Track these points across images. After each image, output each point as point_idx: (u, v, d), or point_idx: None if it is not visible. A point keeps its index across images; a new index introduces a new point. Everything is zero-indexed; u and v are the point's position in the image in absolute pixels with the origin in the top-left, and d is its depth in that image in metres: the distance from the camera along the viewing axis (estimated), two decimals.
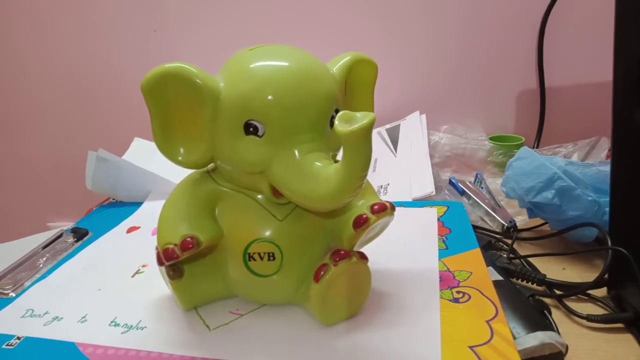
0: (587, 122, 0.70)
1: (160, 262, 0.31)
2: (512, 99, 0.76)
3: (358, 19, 0.77)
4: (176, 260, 0.30)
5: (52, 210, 1.00)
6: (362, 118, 0.24)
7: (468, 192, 0.60)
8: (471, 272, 0.37)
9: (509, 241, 0.52)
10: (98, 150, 0.55)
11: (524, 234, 0.55)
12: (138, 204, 0.57)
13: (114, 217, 0.54)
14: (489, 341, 0.30)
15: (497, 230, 0.56)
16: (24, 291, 0.40)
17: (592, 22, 0.70)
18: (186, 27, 0.82)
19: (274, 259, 0.32)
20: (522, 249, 0.52)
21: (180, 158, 0.31)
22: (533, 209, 0.52)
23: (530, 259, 0.49)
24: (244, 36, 0.80)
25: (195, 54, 0.83)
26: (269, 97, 0.28)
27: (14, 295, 0.39)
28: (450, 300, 0.34)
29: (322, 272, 0.31)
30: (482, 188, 0.62)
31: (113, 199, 0.61)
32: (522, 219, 0.57)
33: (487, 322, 0.32)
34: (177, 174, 0.57)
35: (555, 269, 0.48)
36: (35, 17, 0.85)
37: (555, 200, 0.48)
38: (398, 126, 0.72)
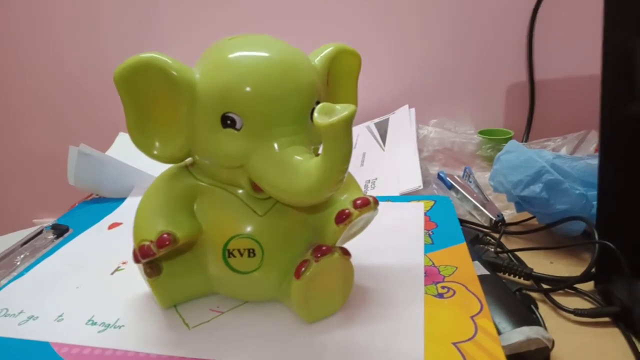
0: (577, 115, 0.70)
1: (136, 260, 0.30)
2: (502, 92, 0.76)
3: (348, 11, 0.76)
4: (152, 258, 0.30)
5: (39, 207, 0.99)
6: (342, 110, 0.24)
7: (456, 186, 0.60)
8: (456, 267, 0.37)
9: (497, 235, 0.52)
10: (79, 146, 0.54)
11: (512, 228, 0.55)
12: (121, 200, 0.56)
13: (96, 213, 0.53)
14: (472, 337, 0.29)
15: (485, 225, 0.55)
16: None
17: (581, 16, 0.70)
18: (177, 20, 0.81)
19: (254, 255, 0.31)
20: (510, 243, 0.52)
21: (155, 152, 0.30)
22: (521, 203, 0.52)
23: (518, 253, 0.48)
24: (234, 27, 0.78)
25: (186, 46, 0.81)
26: (247, 88, 0.27)
27: None
28: (434, 296, 0.34)
29: (303, 269, 0.30)
30: (471, 182, 0.62)
31: (96, 195, 0.60)
32: (510, 213, 0.57)
33: (472, 317, 0.31)
34: (161, 169, 0.56)
35: (543, 263, 0.47)
36: (31, 12, 0.84)
37: (543, 194, 0.48)
38: (387, 120, 0.71)
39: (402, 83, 0.78)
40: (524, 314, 0.37)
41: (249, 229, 0.31)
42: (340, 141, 0.24)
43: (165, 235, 0.29)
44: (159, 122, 0.30)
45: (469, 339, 0.29)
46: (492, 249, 0.48)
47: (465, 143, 0.67)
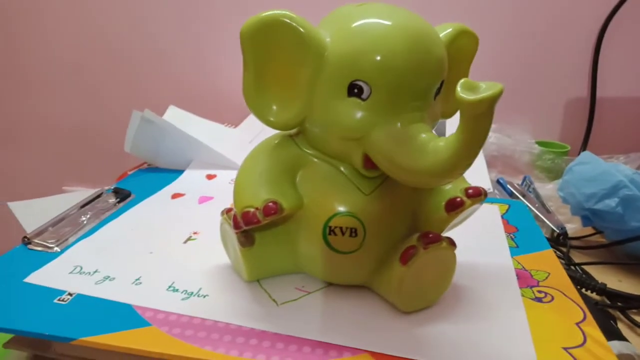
0: (637, 136, 0.69)
1: (237, 226, 0.29)
2: (561, 105, 0.74)
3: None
4: (256, 225, 0.28)
5: (69, 174, 0.97)
6: (488, 88, 0.22)
7: (517, 193, 0.58)
8: (549, 273, 0.35)
9: (562, 247, 0.50)
10: (144, 111, 0.52)
11: (575, 243, 0.53)
12: (178, 171, 0.54)
13: (155, 182, 0.51)
14: (583, 344, 0.28)
15: (546, 236, 0.54)
16: (68, 247, 0.37)
17: None
18: None
19: (356, 235, 0.29)
20: (574, 257, 0.50)
21: (271, 118, 0.29)
22: (590, 217, 0.50)
23: (585, 267, 0.47)
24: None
25: (236, 22, 0.80)
26: (381, 57, 0.26)
27: (58, 250, 0.37)
28: (532, 299, 0.32)
29: (410, 255, 0.28)
30: (531, 192, 0.60)
31: (148, 164, 0.58)
32: (570, 227, 0.55)
33: (577, 324, 0.30)
34: (216, 145, 0.55)
35: (611, 280, 0.46)
36: None
37: (618, 208, 0.46)
38: (444, 122, 0.69)
39: None
40: (613, 329, 0.35)
41: (353, 207, 0.29)
42: (482, 121, 0.23)
43: (271, 204, 0.28)
44: (280, 85, 0.28)
45: (579, 346, 0.28)
46: (564, 262, 0.47)
47: (523, 152, 0.65)
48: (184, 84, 0.83)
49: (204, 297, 0.31)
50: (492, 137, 0.66)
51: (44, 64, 0.90)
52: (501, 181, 0.60)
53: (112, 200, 0.45)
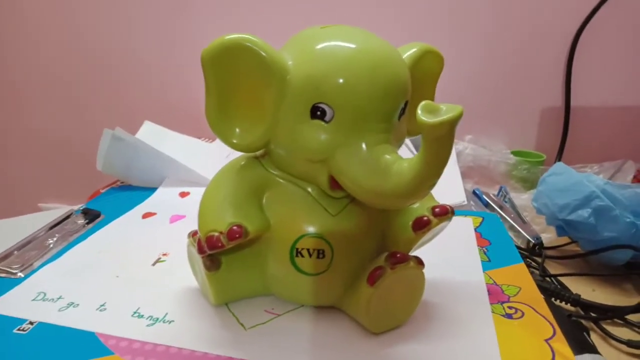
0: (611, 145, 0.70)
1: (201, 251, 0.28)
2: (536, 115, 0.75)
3: (381, 25, 0.75)
4: (220, 250, 0.28)
5: (45, 191, 0.95)
6: (448, 110, 0.22)
7: (492, 204, 0.59)
8: (520, 288, 0.35)
9: (537, 258, 0.50)
10: (115, 129, 0.51)
11: (550, 252, 0.53)
12: (151, 189, 0.53)
13: (126, 201, 0.50)
14: None
15: (522, 247, 0.54)
16: (33, 272, 0.36)
17: (625, 45, 0.70)
18: (210, 8, 0.79)
19: (324, 256, 0.29)
20: (549, 267, 0.50)
21: (235, 140, 0.28)
22: (564, 227, 0.51)
23: (560, 278, 0.47)
24: (269, 17, 0.76)
25: (216, 36, 0.79)
26: (343, 79, 0.26)
27: (22, 275, 0.36)
28: (502, 316, 0.32)
29: (378, 276, 0.28)
30: (507, 202, 0.60)
31: (122, 182, 0.57)
32: (546, 237, 0.56)
33: (546, 341, 0.30)
34: (192, 160, 0.54)
35: (585, 290, 0.46)
36: None
37: (591, 219, 0.47)
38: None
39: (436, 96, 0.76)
40: (584, 341, 0.35)
41: (320, 228, 0.29)
42: (443, 143, 0.23)
43: (235, 228, 0.27)
44: (243, 108, 0.28)
45: None
46: (538, 272, 0.47)
47: (499, 162, 0.65)
48: (162, 98, 0.83)
49: (170, 322, 0.30)
50: (468, 147, 0.67)
51: (23, 79, 0.89)
52: (477, 192, 0.60)
53: (81, 221, 0.44)
